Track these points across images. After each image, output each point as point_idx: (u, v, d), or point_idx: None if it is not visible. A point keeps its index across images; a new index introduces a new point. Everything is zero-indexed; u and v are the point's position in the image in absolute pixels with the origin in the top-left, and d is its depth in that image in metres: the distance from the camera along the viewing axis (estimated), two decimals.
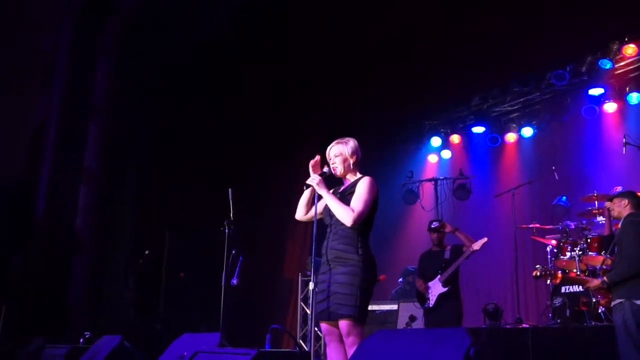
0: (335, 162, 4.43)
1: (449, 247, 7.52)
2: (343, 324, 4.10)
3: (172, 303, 9.00)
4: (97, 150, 8.96)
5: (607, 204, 5.76)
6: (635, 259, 5.12)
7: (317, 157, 4.44)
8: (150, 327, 8.66)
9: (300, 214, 4.56)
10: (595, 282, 5.59)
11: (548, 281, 6.45)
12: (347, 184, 4.46)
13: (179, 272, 9.36)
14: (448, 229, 7.58)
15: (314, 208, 4.39)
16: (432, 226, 7.70)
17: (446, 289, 7.19)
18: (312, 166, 4.42)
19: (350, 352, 4.04)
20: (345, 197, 4.33)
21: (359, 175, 4.46)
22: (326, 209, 4.37)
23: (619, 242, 5.34)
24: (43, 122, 8.70)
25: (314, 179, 4.30)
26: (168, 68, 9.35)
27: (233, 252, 5.80)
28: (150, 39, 9.04)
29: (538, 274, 6.44)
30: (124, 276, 9.09)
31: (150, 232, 9.29)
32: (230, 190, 5.81)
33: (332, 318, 4.16)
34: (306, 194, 4.49)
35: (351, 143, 4.47)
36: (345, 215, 4.18)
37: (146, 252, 8.48)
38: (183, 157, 9.61)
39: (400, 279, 9.88)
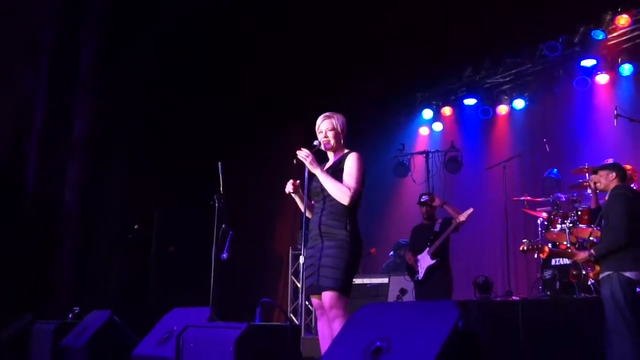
0: (327, 136, 4.46)
1: (439, 220, 7.58)
2: (326, 295, 4.19)
3: (162, 277, 9.04)
4: (86, 124, 8.92)
5: (593, 177, 5.79)
6: (622, 231, 5.18)
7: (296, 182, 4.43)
8: (140, 302, 8.71)
9: (310, 212, 4.55)
10: (582, 255, 5.65)
11: (535, 255, 6.51)
12: (334, 159, 4.49)
13: (169, 247, 9.38)
14: (436, 202, 7.63)
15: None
16: (422, 200, 7.74)
17: (434, 261, 7.26)
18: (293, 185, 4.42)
19: (334, 325, 4.13)
20: (335, 174, 4.37)
21: (345, 150, 4.50)
22: (315, 183, 4.40)
23: (606, 214, 5.39)
24: (29, 96, 8.63)
25: (306, 156, 4.31)
26: (157, 40, 9.27)
27: (223, 226, 5.82)
28: (137, 9, 8.95)
29: (525, 248, 6.50)
30: (113, 251, 9.10)
31: (140, 206, 9.28)
32: (219, 164, 5.81)
33: (319, 291, 4.25)
34: (299, 201, 4.49)
35: (341, 117, 4.52)
36: (341, 194, 4.25)
37: (135, 227, 8.47)
38: (173, 130, 9.57)
39: (391, 253, 9.96)
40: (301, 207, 4.54)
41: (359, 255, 4.32)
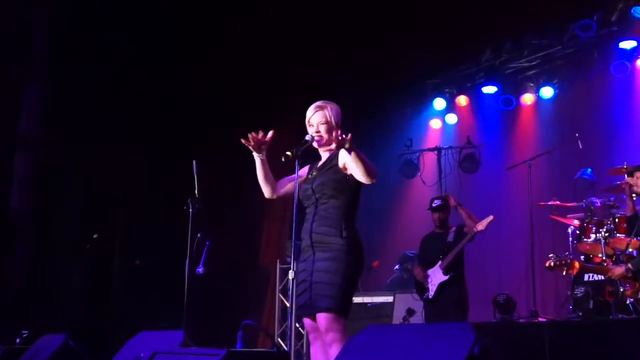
0: (320, 131, 4.43)
1: (453, 229, 7.58)
2: (322, 317, 4.16)
3: (127, 295, 9.02)
4: (35, 116, 8.88)
5: (628, 179, 5.79)
6: None
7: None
8: (100, 323, 8.68)
9: (267, 192, 4.59)
10: (618, 270, 5.65)
11: (564, 272, 6.51)
12: (327, 156, 4.49)
13: (134, 259, 9.36)
14: (452, 202, 7.64)
15: (292, 183, 4.41)
16: (434, 205, 7.75)
17: (447, 276, 7.26)
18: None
19: (331, 351, 4.12)
20: (327, 171, 4.36)
21: None
22: (305, 186, 4.40)
23: None
24: None
25: (345, 140, 4.08)
26: (116, 18, 9.25)
27: (198, 235, 5.82)
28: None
29: (552, 264, 6.50)
30: (69, 264, 9.07)
31: (101, 212, 9.26)
32: (194, 162, 5.81)
33: (312, 311, 4.23)
34: (258, 166, 4.49)
35: (335, 107, 4.48)
36: (372, 170, 4.18)
37: (94, 236, 8.46)
38: (139, 120, 9.55)
39: (397, 266, 9.96)
40: (260, 174, 4.59)
41: (358, 268, 4.29)
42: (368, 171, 4.19)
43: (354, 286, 4.28)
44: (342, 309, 4.17)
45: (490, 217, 7.32)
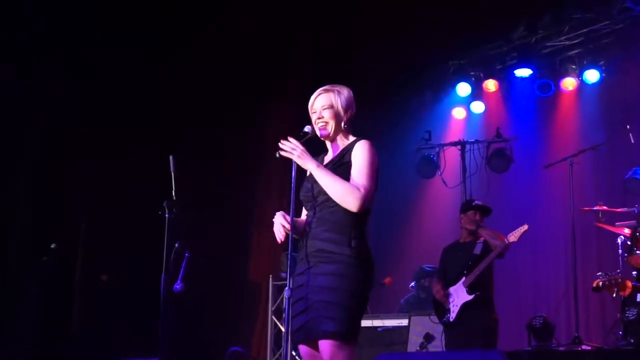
0: (323, 117, 4.40)
1: (481, 239, 7.58)
2: (325, 344, 4.12)
3: (91, 316, 9.02)
4: None
5: None
6: None
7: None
8: (59, 349, 8.67)
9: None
10: None
11: (614, 294, 6.50)
12: (336, 149, 4.44)
13: (100, 274, 9.35)
14: (470, 225, 7.63)
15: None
16: (474, 204, 7.77)
17: (472, 296, 7.26)
18: None
19: None
20: (336, 170, 4.30)
21: (352, 138, 4.43)
22: (307, 185, 4.37)
23: None
24: None
25: (294, 149, 4.25)
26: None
27: (176, 245, 5.81)
28: None
29: (600, 284, 6.49)
30: (22, 279, 9.07)
31: (60, 218, 9.25)
32: (171, 158, 5.80)
33: (311, 336, 4.18)
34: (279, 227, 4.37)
35: (345, 93, 4.45)
36: (349, 196, 4.17)
37: (52, 246, 8.45)
38: (104, 110, 9.56)
39: (412, 283, 9.96)
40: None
41: (368, 285, 4.24)
42: (339, 195, 4.20)
43: (364, 307, 4.24)
44: (349, 334, 4.13)
45: (525, 227, 7.31)
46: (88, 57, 9.47)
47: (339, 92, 4.43)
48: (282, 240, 4.30)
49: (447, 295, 7.45)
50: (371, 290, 4.29)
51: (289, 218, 4.28)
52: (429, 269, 9.57)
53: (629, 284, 6.52)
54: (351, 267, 4.16)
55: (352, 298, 4.14)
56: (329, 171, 4.26)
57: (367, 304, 4.28)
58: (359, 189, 4.17)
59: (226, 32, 10.23)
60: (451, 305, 7.40)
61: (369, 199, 4.20)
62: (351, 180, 4.21)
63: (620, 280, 6.54)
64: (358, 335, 4.21)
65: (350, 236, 4.21)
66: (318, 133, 4.42)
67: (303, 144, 4.30)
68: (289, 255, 4.30)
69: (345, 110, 4.41)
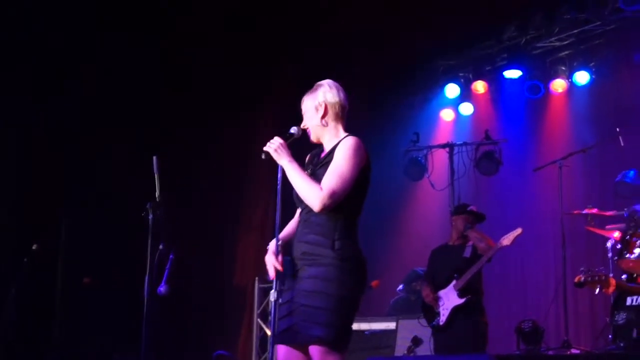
0: (305, 123, 4.47)
1: (470, 243, 7.60)
2: (314, 350, 4.12)
3: (72, 321, 8.98)
4: None
5: None
6: None
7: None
8: (40, 354, 8.63)
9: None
10: None
11: (597, 290, 6.52)
12: (327, 148, 4.45)
13: (82, 276, 9.31)
14: (460, 226, 7.66)
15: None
16: (469, 209, 7.80)
17: (463, 300, 7.28)
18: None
19: None
20: (316, 172, 4.33)
21: (342, 134, 4.43)
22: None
23: None
24: None
25: (273, 143, 4.29)
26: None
27: (160, 247, 5.79)
28: None
29: (582, 279, 6.50)
30: (2, 281, 9.03)
31: (40, 217, 9.22)
32: (154, 158, 5.78)
33: (297, 340, 4.17)
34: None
35: (319, 90, 4.46)
36: (310, 195, 4.18)
37: (34, 247, 8.40)
38: (88, 110, 9.53)
39: (400, 287, 9.96)
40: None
41: (358, 289, 4.22)
42: (303, 192, 4.23)
43: (353, 312, 4.22)
44: (339, 341, 4.12)
45: (519, 230, 7.35)
46: (73, 57, 9.44)
47: (312, 92, 4.49)
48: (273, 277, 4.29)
49: (437, 299, 7.46)
50: (362, 294, 4.27)
51: (280, 258, 4.28)
52: (421, 271, 9.57)
53: (613, 281, 6.54)
54: (337, 269, 4.15)
55: (340, 303, 4.13)
56: (300, 169, 4.27)
57: (357, 308, 4.24)
58: (320, 189, 4.15)
59: (214, 32, 10.21)
60: (441, 309, 7.42)
61: (333, 200, 4.15)
62: (323, 179, 4.21)
63: (603, 277, 6.56)
64: (349, 341, 4.20)
65: (333, 238, 4.20)
66: (310, 134, 4.48)
67: (287, 144, 4.32)
68: (276, 247, 4.30)
69: (317, 107, 4.43)
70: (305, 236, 4.28)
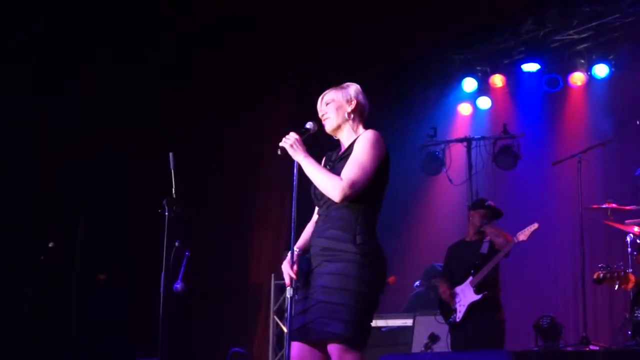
0: (326, 112, 4.47)
1: (488, 238, 7.60)
2: (333, 347, 4.12)
3: (89, 318, 9.04)
4: None
5: None
6: None
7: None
8: (56, 351, 8.68)
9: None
10: None
11: (616, 287, 6.50)
12: (346, 143, 4.47)
13: (98, 274, 9.37)
14: (477, 221, 7.65)
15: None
16: (487, 204, 7.79)
17: (480, 296, 7.28)
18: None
19: None
20: (336, 166, 4.35)
21: (362, 131, 4.46)
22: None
23: None
24: None
25: (288, 139, 4.32)
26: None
27: (176, 244, 5.83)
28: None
29: (600, 275, 6.49)
30: (17, 280, 9.09)
31: (55, 215, 9.27)
32: (171, 155, 5.81)
33: (313, 337, 4.18)
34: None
35: (351, 87, 4.53)
36: (330, 186, 4.20)
37: (50, 245, 8.46)
38: (102, 108, 9.56)
39: (417, 283, 9.95)
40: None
41: (378, 286, 4.24)
42: (322, 184, 4.26)
43: (373, 309, 4.22)
44: (358, 339, 4.13)
45: (535, 225, 7.33)
46: (86, 56, 9.49)
47: (342, 88, 4.52)
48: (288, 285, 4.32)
49: (454, 295, 7.47)
50: (382, 291, 4.29)
51: (295, 268, 4.30)
52: (440, 267, 9.57)
53: (632, 277, 6.52)
54: (357, 265, 4.16)
55: (360, 299, 4.14)
56: (315, 162, 4.31)
57: (377, 305, 4.25)
58: (340, 180, 4.18)
59: (224, 30, 10.23)
60: (458, 305, 7.42)
61: (353, 190, 4.17)
62: (342, 171, 4.24)
63: (622, 273, 6.54)
64: (367, 339, 4.19)
65: (354, 233, 4.21)
66: (326, 128, 4.48)
67: (302, 139, 4.35)
68: (291, 254, 4.31)
69: (349, 101, 4.47)
70: (325, 231, 4.29)
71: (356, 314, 4.12)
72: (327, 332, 4.12)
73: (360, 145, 4.29)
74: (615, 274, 6.51)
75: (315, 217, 4.52)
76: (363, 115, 4.51)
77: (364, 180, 4.20)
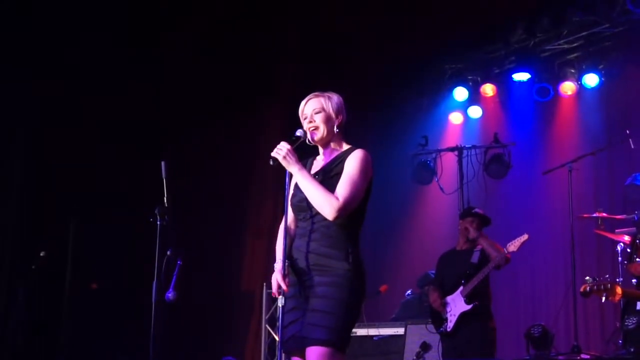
0: (314, 121, 4.44)
1: (479, 247, 7.61)
2: (315, 351, 4.15)
3: (80, 326, 9.01)
4: None
5: None
6: None
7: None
8: (48, 358, 8.66)
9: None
10: None
11: (603, 298, 6.51)
12: (329, 156, 4.48)
13: (90, 282, 9.35)
14: (472, 234, 7.66)
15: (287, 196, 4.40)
16: (474, 211, 7.82)
17: (470, 306, 7.30)
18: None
19: None
20: (330, 178, 4.35)
21: (345, 146, 4.48)
22: (299, 194, 4.39)
23: None
24: None
25: (281, 150, 4.31)
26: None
27: (168, 252, 5.81)
28: None
29: (587, 288, 6.50)
30: (8, 288, 9.07)
31: (47, 223, 9.25)
32: (163, 163, 5.81)
33: (302, 345, 4.21)
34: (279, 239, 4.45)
35: (335, 98, 4.50)
36: (326, 203, 4.21)
37: (41, 254, 8.44)
38: (94, 114, 9.55)
39: (408, 292, 9.95)
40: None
41: (363, 296, 4.31)
42: (317, 201, 4.25)
43: (356, 317, 4.29)
44: (341, 343, 4.18)
45: (525, 236, 7.35)
46: (80, 59, 9.48)
47: (329, 97, 4.49)
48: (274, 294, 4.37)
49: (445, 305, 7.47)
50: (364, 300, 4.35)
51: (287, 280, 4.30)
52: (433, 275, 9.60)
53: (619, 289, 6.53)
54: (348, 279, 4.22)
55: (347, 308, 4.20)
56: (311, 176, 4.32)
57: (360, 312, 4.33)
58: (337, 199, 4.20)
59: (217, 33, 10.24)
60: (448, 314, 7.43)
61: (347, 210, 4.22)
62: (336, 189, 4.25)
63: (609, 285, 6.55)
64: (348, 344, 4.24)
65: (347, 251, 4.27)
66: (309, 137, 4.44)
67: (294, 148, 4.35)
68: (282, 264, 4.32)
69: (337, 114, 4.45)
70: (318, 248, 4.30)
71: (343, 321, 4.18)
72: (313, 338, 4.15)
73: (354, 164, 4.32)
74: (602, 287, 6.52)
75: (286, 225, 4.47)
76: (344, 129, 4.52)
77: (357, 200, 4.27)
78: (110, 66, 9.59)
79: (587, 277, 6.76)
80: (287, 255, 4.36)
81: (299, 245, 4.38)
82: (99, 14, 9.47)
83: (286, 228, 4.40)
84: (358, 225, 4.38)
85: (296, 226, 4.48)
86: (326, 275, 4.24)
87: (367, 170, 4.33)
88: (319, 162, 4.52)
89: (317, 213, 4.29)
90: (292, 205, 4.46)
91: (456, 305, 7.38)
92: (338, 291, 4.20)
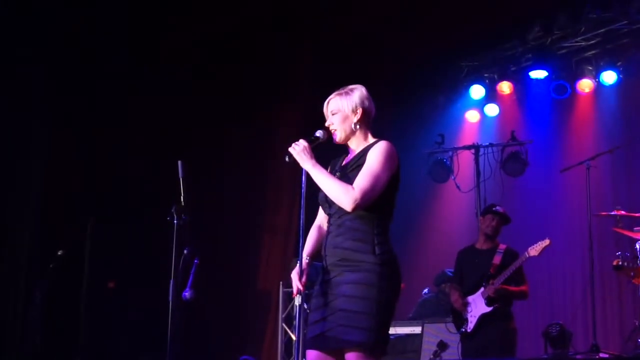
0: (333, 123, 4.44)
1: (502, 247, 7.58)
2: (352, 356, 4.11)
3: (98, 325, 9.03)
4: None
5: None
6: None
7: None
8: (66, 357, 8.68)
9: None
10: None
11: (630, 278, 6.53)
12: (354, 152, 4.45)
13: (107, 281, 9.37)
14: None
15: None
16: (495, 209, 7.76)
17: (491, 308, 7.29)
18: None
19: None
20: (352, 171, 4.32)
21: (371, 139, 4.44)
22: (322, 192, 4.37)
23: None
24: None
25: (297, 146, 4.31)
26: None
27: (185, 252, 5.81)
28: None
29: (620, 263, 6.50)
30: (26, 287, 9.10)
31: (65, 223, 9.28)
32: (180, 163, 5.81)
33: (332, 345, 4.16)
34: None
35: (356, 93, 4.45)
36: (342, 194, 4.17)
37: (59, 253, 8.46)
38: (112, 114, 9.58)
39: (425, 290, 9.93)
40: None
41: (395, 294, 4.24)
42: (334, 194, 4.23)
43: (391, 315, 4.23)
44: (377, 347, 4.14)
45: (547, 241, 7.34)
46: (94, 59, 9.50)
47: (346, 94, 4.45)
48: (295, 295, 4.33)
49: (466, 304, 7.45)
50: (398, 297, 4.29)
51: (304, 279, 4.30)
52: (450, 273, 9.55)
53: None
54: (377, 275, 4.17)
55: (380, 307, 4.14)
56: (325, 171, 4.29)
57: (394, 313, 4.26)
58: (352, 188, 4.16)
59: (232, 33, 10.25)
60: (469, 315, 7.40)
61: (365, 200, 4.16)
62: (355, 180, 4.22)
63: (638, 266, 6.57)
64: (387, 345, 4.21)
65: (373, 243, 4.22)
66: (335, 138, 4.44)
67: (312, 147, 4.33)
68: (300, 261, 4.31)
69: (354, 110, 4.41)
70: (342, 242, 4.26)
71: (377, 322, 4.12)
72: (348, 340, 4.11)
73: (374, 155, 4.27)
74: (631, 264, 6.53)
75: (319, 222, 4.53)
76: (370, 121, 4.47)
77: (376, 190, 4.19)
78: (127, 66, 9.61)
79: (619, 252, 6.77)
80: (319, 253, 4.36)
81: (328, 242, 4.35)
82: (117, 11, 9.49)
83: (303, 225, 4.36)
84: (385, 217, 4.32)
85: (328, 224, 4.44)
86: (354, 271, 4.19)
87: (389, 161, 4.27)
88: (347, 158, 4.50)
89: (339, 208, 4.26)
90: (320, 203, 4.44)
91: (477, 306, 7.36)
92: (369, 290, 4.15)
